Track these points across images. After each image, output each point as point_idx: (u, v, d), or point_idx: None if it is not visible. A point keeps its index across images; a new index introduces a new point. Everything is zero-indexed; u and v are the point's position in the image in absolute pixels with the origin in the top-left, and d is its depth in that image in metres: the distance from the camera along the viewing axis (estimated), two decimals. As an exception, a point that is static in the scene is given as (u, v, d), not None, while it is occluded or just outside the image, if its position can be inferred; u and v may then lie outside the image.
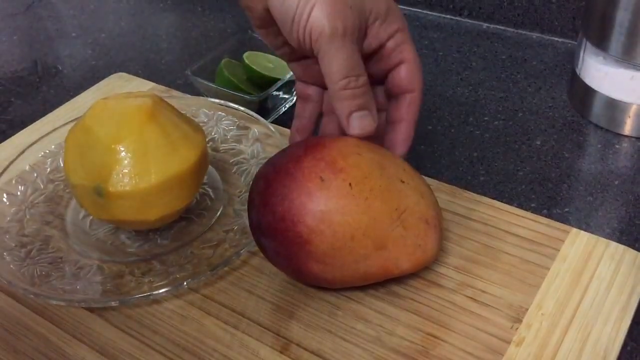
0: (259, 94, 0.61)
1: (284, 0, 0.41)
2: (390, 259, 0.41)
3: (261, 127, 0.57)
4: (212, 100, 0.61)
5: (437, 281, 0.45)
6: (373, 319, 0.43)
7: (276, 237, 0.41)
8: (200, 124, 0.55)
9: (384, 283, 0.45)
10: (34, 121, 0.65)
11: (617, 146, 0.58)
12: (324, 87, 0.48)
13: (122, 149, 0.45)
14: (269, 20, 0.44)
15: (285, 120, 0.62)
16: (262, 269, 0.47)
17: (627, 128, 0.59)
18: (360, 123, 0.43)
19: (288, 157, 0.42)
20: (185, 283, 0.45)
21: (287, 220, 0.40)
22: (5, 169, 0.54)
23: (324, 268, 0.41)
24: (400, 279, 0.45)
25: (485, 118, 0.63)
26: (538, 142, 0.59)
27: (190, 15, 0.87)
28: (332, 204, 0.40)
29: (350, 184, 0.40)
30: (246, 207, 0.51)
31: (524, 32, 0.75)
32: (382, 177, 0.41)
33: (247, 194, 0.52)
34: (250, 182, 0.53)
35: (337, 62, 0.41)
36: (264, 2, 0.43)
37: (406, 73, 0.45)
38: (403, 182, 0.42)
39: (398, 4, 0.45)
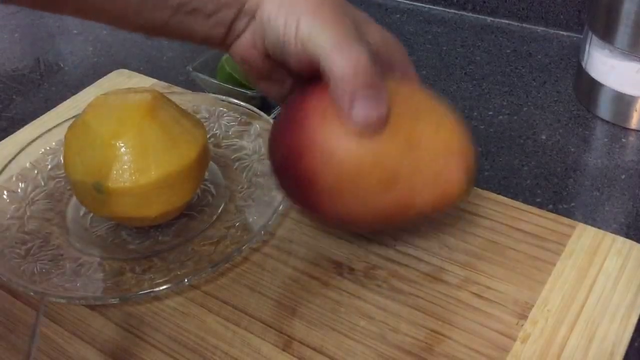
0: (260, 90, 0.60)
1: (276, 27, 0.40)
2: (405, 190, 0.39)
3: (263, 122, 0.56)
4: (214, 96, 0.60)
5: (441, 277, 0.45)
6: (376, 316, 0.43)
7: (288, 175, 0.40)
8: (202, 120, 0.54)
9: (386, 278, 0.44)
10: (35, 118, 0.65)
11: (623, 140, 0.58)
12: None
13: (122, 144, 0.44)
14: (269, 66, 0.43)
15: (287, 116, 0.61)
16: (263, 265, 0.47)
17: (634, 122, 0.58)
18: (365, 105, 0.37)
19: (295, 98, 0.41)
20: (186, 280, 0.44)
21: (294, 157, 0.39)
22: (5, 166, 0.54)
23: (337, 204, 0.39)
24: (403, 275, 0.45)
25: (490, 113, 0.62)
26: (543, 137, 0.58)
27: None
28: (336, 137, 0.38)
29: None
30: (247, 203, 0.51)
31: (528, 25, 0.74)
32: (393, 105, 0.38)
33: (249, 190, 0.52)
34: (252, 178, 0.53)
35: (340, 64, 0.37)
36: (259, 47, 0.42)
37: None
38: (419, 109, 0.39)
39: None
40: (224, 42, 0.43)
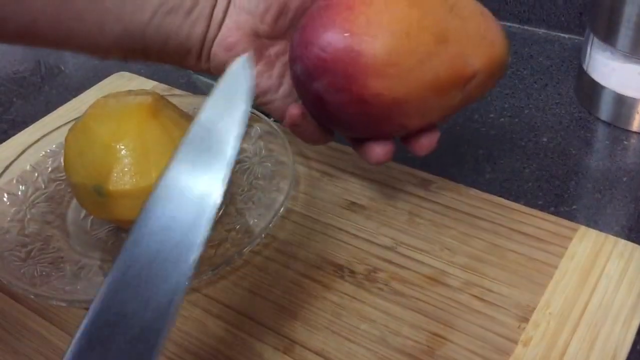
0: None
1: None
2: (457, 55, 0.38)
3: (264, 125, 0.56)
4: (215, 98, 0.60)
5: (443, 280, 0.45)
6: (377, 319, 0.43)
7: (326, 67, 0.38)
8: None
9: (387, 281, 0.44)
10: (36, 121, 0.65)
11: (625, 142, 0.57)
12: None
13: (123, 147, 0.44)
14: (257, 46, 0.42)
15: (288, 118, 0.61)
16: (265, 268, 0.47)
17: (636, 124, 0.58)
18: None
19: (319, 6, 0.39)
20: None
21: (333, 41, 0.37)
22: (6, 169, 0.54)
23: (389, 82, 0.37)
24: (404, 277, 0.44)
25: (491, 115, 0.62)
26: (545, 139, 0.58)
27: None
28: (376, 6, 0.37)
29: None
30: (248, 205, 0.51)
31: (530, 28, 0.74)
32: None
33: (249, 192, 0.52)
34: (253, 181, 0.53)
35: None
36: (244, 23, 0.41)
37: None
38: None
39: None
40: (205, 38, 0.41)
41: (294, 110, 0.42)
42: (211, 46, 0.42)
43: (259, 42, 0.42)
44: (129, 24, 0.39)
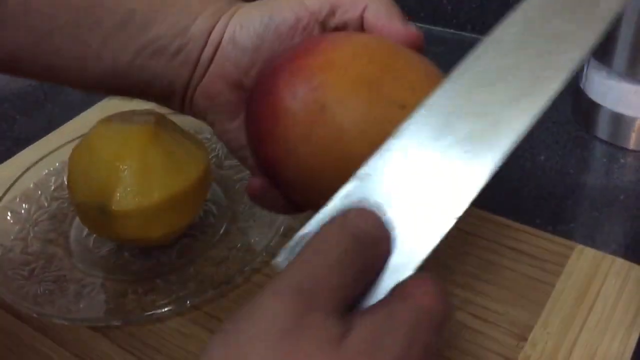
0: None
1: None
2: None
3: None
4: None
5: (442, 299, 0.45)
6: (377, 337, 0.43)
7: (256, 154, 0.37)
8: (204, 140, 0.55)
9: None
10: (39, 138, 0.65)
11: (622, 161, 0.58)
12: None
13: (125, 167, 0.45)
14: (236, 98, 0.40)
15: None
16: (265, 286, 0.47)
17: (632, 142, 0.59)
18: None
19: (272, 64, 0.36)
20: (188, 301, 0.45)
21: (255, 140, 0.36)
22: (9, 187, 0.54)
23: (301, 200, 0.36)
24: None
25: (489, 133, 0.62)
26: (542, 158, 0.59)
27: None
28: (299, 130, 0.33)
29: (324, 106, 0.32)
30: (249, 223, 0.52)
31: (527, 46, 0.75)
32: (369, 100, 0.32)
33: (251, 210, 0.53)
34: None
35: None
36: (228, 73, 0.39)
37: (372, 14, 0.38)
38: (404, 107, 0.32)
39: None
40: (189, 83, 0.40)
41: (254, 181, 0.39)
42: (194, 92, 0.40)
43: (242, 94, 0.39)
44: (111, 63, 0.38)
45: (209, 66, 0.39)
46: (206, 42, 0.38)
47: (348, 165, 0.30)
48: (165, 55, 0.38)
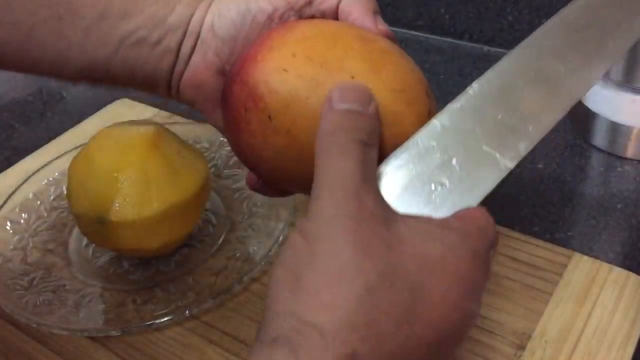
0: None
1: None
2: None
3: (263, 153, 0.57)
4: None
5: (440, 308, 0.45)
6: (375, 347, 0.43)
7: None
8: (203, 150, 0.55)
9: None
10: (38, 148, 0.65)
11: (619, 169, 0.58)
12: None
13: (125, 178, 0.45)
14: (222, 84, 0.41)
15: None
16: (264, 296, 0.47)
17: (630, 151, 0.59)
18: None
19: (231, 70, 0.37)
20: (187, 311, 0.45)
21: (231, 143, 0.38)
22: (9, 197, 0.54)
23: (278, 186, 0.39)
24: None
25: (487, 142, 0.63)
26: (540, 166, 0.59)
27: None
28: (256, 141, 0.35)
29: (269, 116, 0.34)
30: (248, 233, 0.52)
31: (525, 55, 0.75)
32: (312, 98, 0.33)
33: (249, 220, 0.53)
34: (252, 208, 0.54)
35: None
36: (210, 60, 0.39)
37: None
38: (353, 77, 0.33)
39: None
40: (173, 72, 0.40)
41: (250, 174, 0.41)
42: (179, 82, 0.40)
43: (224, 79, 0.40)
44: (93, 56, 0.39)
45: (191, 55, 0.40)
46: (185, 32, 0.39)
47: (303, 156, 0.33)
48: (146, 45, 0.39)
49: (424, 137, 0.32)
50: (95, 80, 0.41)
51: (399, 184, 0.31)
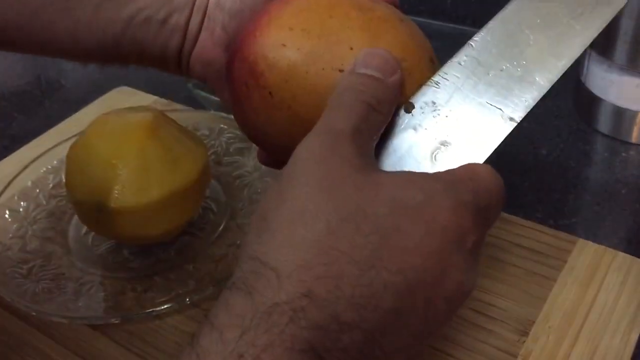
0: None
1: None
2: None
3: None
4: (214, 113, 0.61)
5: (443, 294, 0.45)
6: (378, 334, 0.43)
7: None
8: (202, 137, 0.55)
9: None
10: (37, 136, 0.65)
11: (624, 154, 0.58)
12: None
13: (123, 165, 0.45)
14: None
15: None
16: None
17: (634, 136, 0.58)
18: None
19: (232, 47, 0.37)
20: (187, 299, 0.44)
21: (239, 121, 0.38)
22: (7, 185, 0.54)
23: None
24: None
25: (490, 127, 0.62)
26: (544, 152, 0.59)
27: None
28: (260, 119, 0.35)
29: (270, 93, 0.34)
30: (249, 220, 0.51)
31: (527, 40, 0.74)
32: (311, 72, 0.33)
33: (250, 207, 0.52)
34: (253, 196, 0.53)
35: None
36: (218, 37, 0.40)
37: None
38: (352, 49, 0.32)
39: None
40: (182, 49, 0.40)
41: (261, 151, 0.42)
42: (189, 59, 0.40)
43: None
44: (102, 35, 0.39)
45: (199, 32, 0.40)
46: (192, 9, 0.39)
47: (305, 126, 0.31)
48: (154, 23, 0.39)
49: (425, 95, 0.32)
50: (106, 60, 0.41)
51: (401, 146, 0.30)
